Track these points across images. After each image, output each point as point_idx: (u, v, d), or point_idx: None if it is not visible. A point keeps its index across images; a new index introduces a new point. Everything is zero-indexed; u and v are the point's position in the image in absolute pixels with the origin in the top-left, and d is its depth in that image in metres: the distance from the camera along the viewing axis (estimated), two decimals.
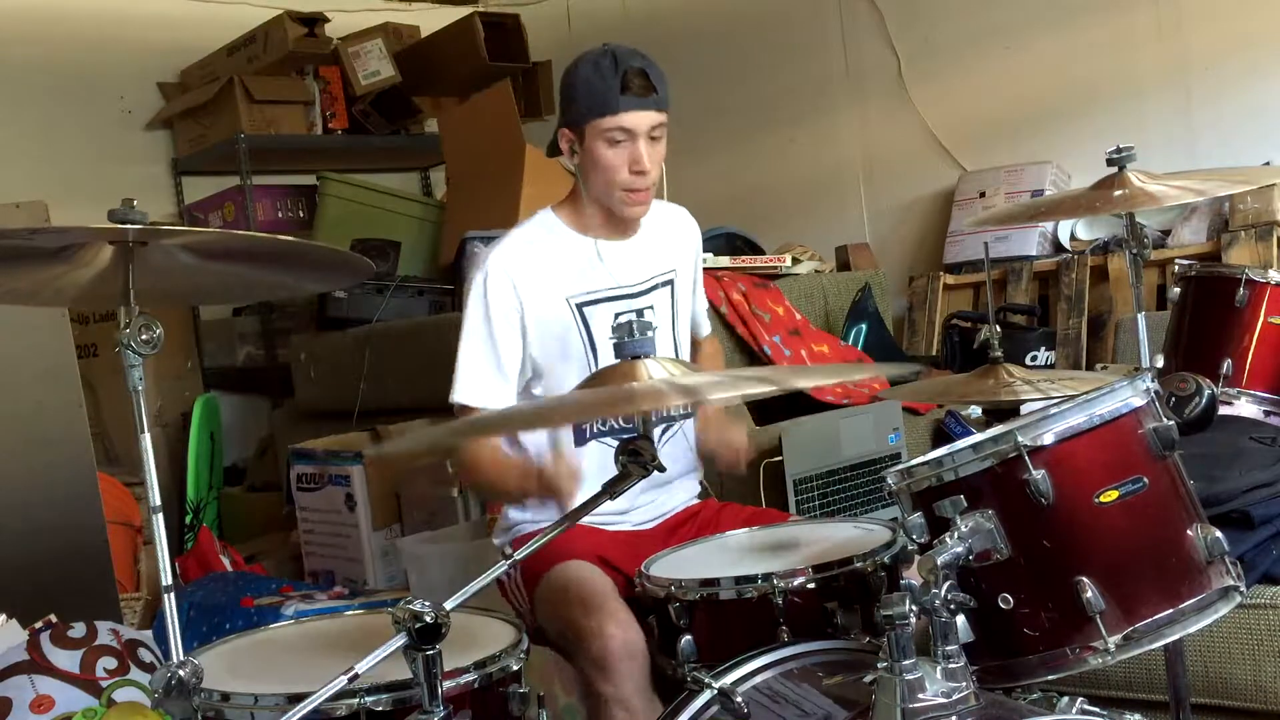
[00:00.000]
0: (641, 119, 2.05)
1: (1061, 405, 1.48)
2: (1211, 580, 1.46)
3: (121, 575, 3.06)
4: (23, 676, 2.25)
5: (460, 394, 2.09)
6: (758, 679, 1.58)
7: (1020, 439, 1.43)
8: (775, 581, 1.69)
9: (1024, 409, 1.98)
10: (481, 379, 2.09)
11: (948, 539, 1.41)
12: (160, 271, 1.38)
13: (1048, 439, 1.44)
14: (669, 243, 2.25)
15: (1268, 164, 3.29)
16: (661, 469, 1.45)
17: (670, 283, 2.23)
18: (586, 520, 2.05)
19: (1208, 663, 2.17)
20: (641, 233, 2.21)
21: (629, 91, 2.03)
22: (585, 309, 2.13)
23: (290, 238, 1.45)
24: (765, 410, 2.93)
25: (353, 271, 1.60)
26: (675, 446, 2.18)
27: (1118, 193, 1.83)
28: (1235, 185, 2.13)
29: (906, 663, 1.31)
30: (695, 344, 2.40)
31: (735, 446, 2.10)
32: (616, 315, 2.13)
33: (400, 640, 1.26)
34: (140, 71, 4.72)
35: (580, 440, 2.14)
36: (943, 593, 1.34)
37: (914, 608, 1.32)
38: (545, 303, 2.11)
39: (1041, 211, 2.59)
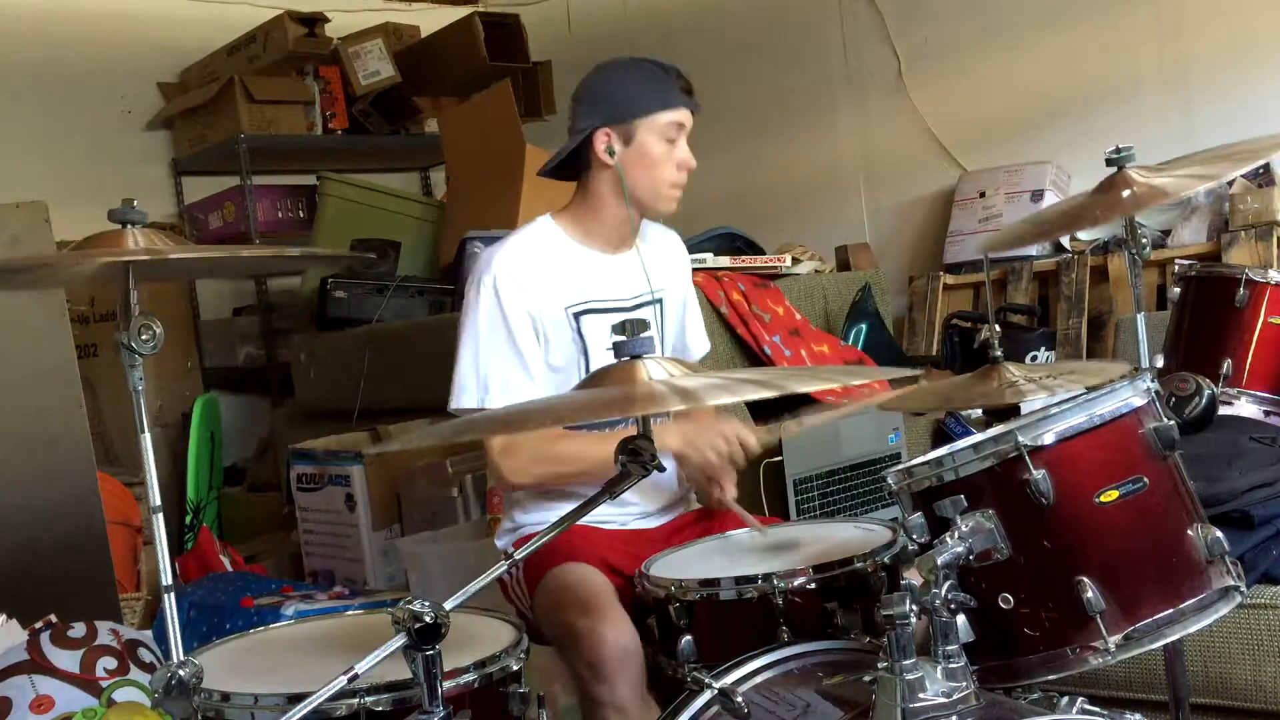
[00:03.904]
0: (690, 119, 2.13)
1: (1062, 405, 1.48)
2: (1212, 580, 1.46)
3: (121, 575, 3.06)
4: (23, 676, 2.25)
5: (497, 398, 2.04)
6: (758, 679, 1.58)
7: (1020, 439, 1.43)
8: (775, 581, 1.69)
9: (1024, 408, 1.98)
10: (511, 382, 2.06)
11: (948, 539, 1.41)
12: (159, 261, 1.37)
13: (1048, 439, 1.44)
14: (660, 264, 2.27)
15: (1267, 166, 3.29)
16: (661, 468, 1.45)
17: (659, 302, 2.24)
18: (589, 521, 2.07)
19: (1208, 663, 2.17)
20: (635, 250, 2.21)
21: (681, 89, 2.11)
22: (581, 318, 2.13)
23: (286, 250, 1.44)
24: (765, 410, 2.93)
25: (347, 259, 1.59)
26: None
27: (1125, 193, 1.82)
28: (1237, 165, 2.09)
29: (907, 662, 1.31)
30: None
31: (716, 484, 2.09)
32: (613, 328, 2.13)
33: (400, 640, 1.26)
34: (140, 71, 4.72)
35: None
36: (943, 592, 1.34)
37: (914, 607, 1.32)
38: (547, 309, 2.11)
39: (1047, 227, 2.55)
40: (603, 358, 2.11)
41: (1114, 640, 1.40)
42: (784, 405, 2.63)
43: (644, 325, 1.43)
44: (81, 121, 4.52)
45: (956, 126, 4.03)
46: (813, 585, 1.71)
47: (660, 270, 2.26)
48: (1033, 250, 3.69)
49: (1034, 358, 3.50)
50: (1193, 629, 1.44)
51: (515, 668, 1.51)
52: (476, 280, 2.11)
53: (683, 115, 2.11)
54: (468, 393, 2.08)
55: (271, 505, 4.19)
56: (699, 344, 2.43)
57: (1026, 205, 3.72)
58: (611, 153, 2.10)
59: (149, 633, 2.60)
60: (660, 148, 2.10)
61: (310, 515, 3.63)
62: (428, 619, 1.25)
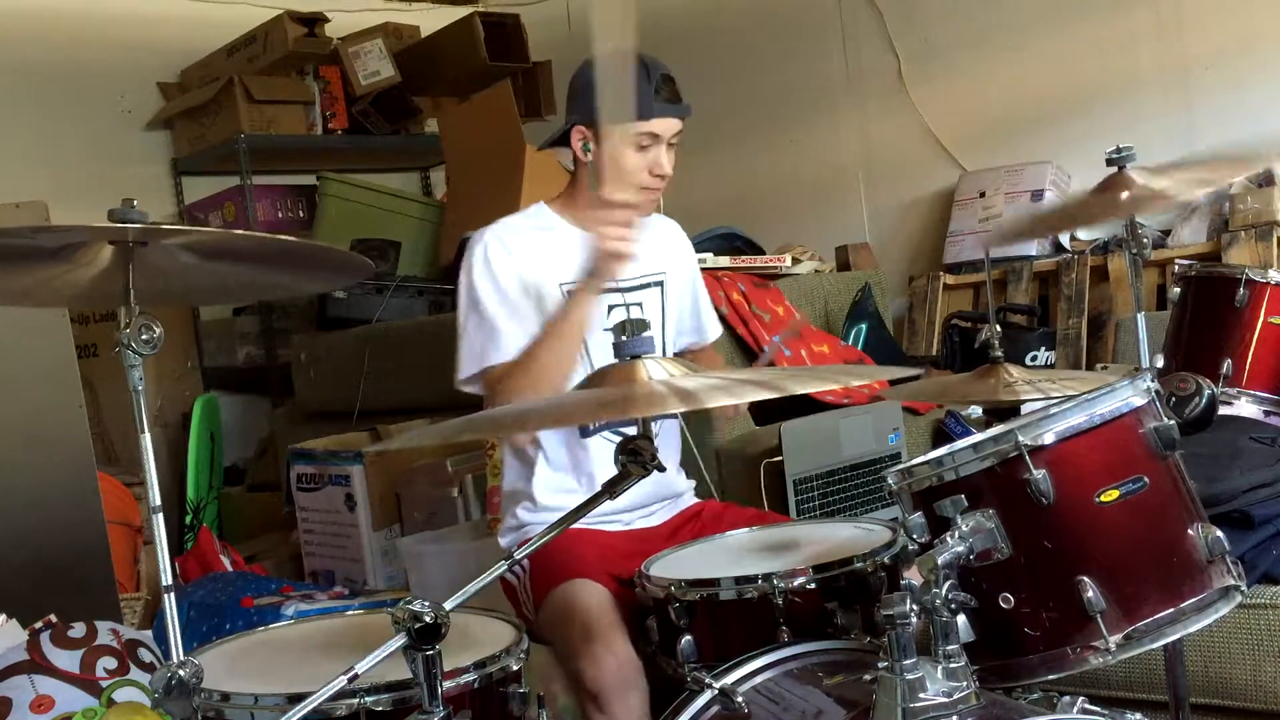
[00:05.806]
0: (669, 126, 2.11)
1: (1062, 405, 1.47)
2: (1212, 580, 1.46)
3: (121, 575, 3.06)
4: (23, 676, 2.25)
5: (496, 357, 2.06)
6: (758, 679, 1.58)
7: (1021, 438, 1.43)
8: (775, 581, 1.69)
9: (1024, 409, 1.98)
10: (510, 342, 2.07)
11: (948, 538, 1.41)
12: (160, 272, 1.39)
13: (1048, 438, 1.44)
14: (659, 247, 2.27)
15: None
16: (661, 468, 1.45)
17: (660, 284, 2.25)
18: (593, 523, 2.07)
19: (1208, 663, 2.17)
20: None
21: (661, 98, 2.08)
22: None
23: (289, 238, 1.45)
24: (765, 410, 2.93)
25: (352, 271, 1.61)
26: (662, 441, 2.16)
27: (1124, 195, 1.82)
28: (1237, 171, 2.09)
29: (907, 662, 1.31)
30: (700, 349, 2.42)
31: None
32: (610, 308, 2.13)
33: (400, 640, 1.26)
34: (140, 71, 4.72)
35: (585, 434, 2.15)
36: (943, 592, 1.34)
37: (915, 607, 1.32)
38: (540, 284, 2.12)
39: (1047, 223, 2.55)
40: (598, 337, 2.12)
41: (1114, 640, 1.40)
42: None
43: (644, 325, 1.43)
44: (81, 121, 4.52)
45: (956, 126, 4.03)
46: (813, 585, 1.71)
47: (658, 253, 2.25)
48: (1033, 250, 3.70)
49: (1034, 358, 3.50)
50: (1193, 629, 1.43)
51: (515, 668, 1.51)
52: (469, 255, 2.15)
53: (656, 125, 2.09)
54: (470, 361, 2.10)
55: (271, 505, 4.19)
56: (713, 326, 2.45)
57: (1026, 205, 3.72)
58: (587, 149, 2.13)
59: (149, 633, 2.59)
60: (630, 154, 2.10)
61: (310, 515, 3.63)
62: (428, 619, 1.25)
